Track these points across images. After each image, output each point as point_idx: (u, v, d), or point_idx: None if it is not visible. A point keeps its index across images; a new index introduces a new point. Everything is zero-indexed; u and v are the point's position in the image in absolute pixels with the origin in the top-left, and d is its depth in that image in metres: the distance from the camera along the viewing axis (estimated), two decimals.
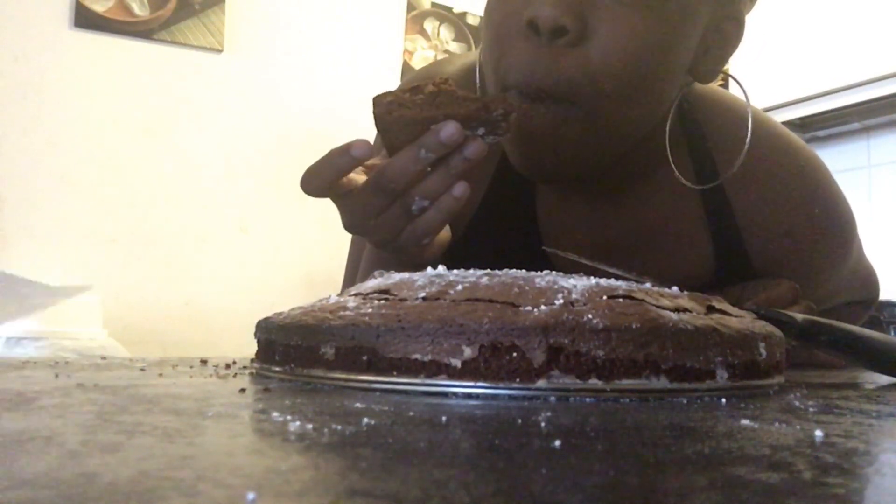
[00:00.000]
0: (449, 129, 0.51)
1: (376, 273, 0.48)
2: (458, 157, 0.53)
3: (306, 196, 0.56)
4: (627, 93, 0.58)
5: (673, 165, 0.65)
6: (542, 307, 0.36)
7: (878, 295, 0.87)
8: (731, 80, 0.71)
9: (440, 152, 0.52)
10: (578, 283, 0.39)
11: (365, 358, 0.37)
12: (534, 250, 0.72)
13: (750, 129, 0.66)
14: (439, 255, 0.62)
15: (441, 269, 0.43)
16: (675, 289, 0.43)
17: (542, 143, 0.59)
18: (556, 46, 0.55)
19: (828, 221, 0.72)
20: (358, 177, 0.56)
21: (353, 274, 0.79)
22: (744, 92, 0.68)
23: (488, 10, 0.61)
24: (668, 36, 0.58)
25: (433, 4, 2.76)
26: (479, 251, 0.74)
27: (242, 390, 0.35)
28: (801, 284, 0.71)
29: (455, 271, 0.42)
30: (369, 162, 0.56)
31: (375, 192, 0.54)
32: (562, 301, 0.36)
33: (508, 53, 0.58)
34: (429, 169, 0.54)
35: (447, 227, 0.67)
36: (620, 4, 0.55)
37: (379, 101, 0.53)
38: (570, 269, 0.50)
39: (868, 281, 0.84)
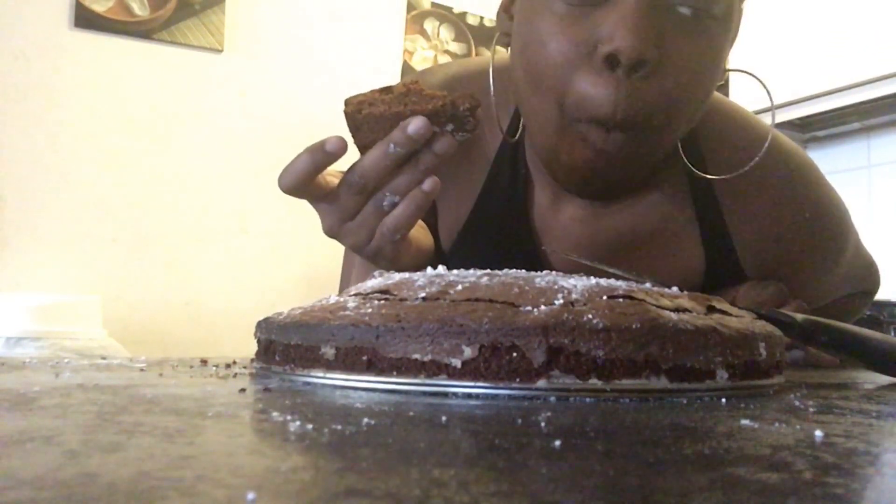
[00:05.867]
0: (416, 124, 0.52)
1: (376, 273, 0.48)
2: (427, 153, 0.54)
3: None
4: (691, 111, 0.59)
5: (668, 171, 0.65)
6: (542, 307, 0.36)
7: (878, 284, 0.87)
8: (739, 75, 0.70)
9: (408, 147, 0.53)
10: (578, 283, 0.39)
11: (365, 358, 0.37)
12: (528, 254, 0.72)
13: (745, 131, 0.65)
14: (421, 262, 0.62)
15: (441, 269, 0.43)
16: (674, 289, 0.43)
17: (611, 168, 0.59)
18: (634, 79, 0.55)
19: (819, 225, 0.72)
20: (335, 180, 0.57)
21: (348, 276, 0.79)
22: (763, 85, 0.67)
23: (540, 36, 0.58)
24: (719, 53, 0.59)
25: (433, 4, 2.76)
26: (473, 257, 0.73)
27: (242, 390, 0.35)
28: (795, 286, 0.70)
29: (455, 271, 0.42)
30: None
31: (348, 190, 0.55)
32: (562, 301, 0.36)
33: (578, 85, 0.56)
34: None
35: (429, 237, 0.67)
36: (685, 32, 0.56)
37: (349, 101, 0.54)
38: (565, 270, 0.50)
39: (867, 272, 0.84)
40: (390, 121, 0.53)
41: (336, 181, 0.56)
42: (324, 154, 0.53)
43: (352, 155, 0.55)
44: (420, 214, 0.57)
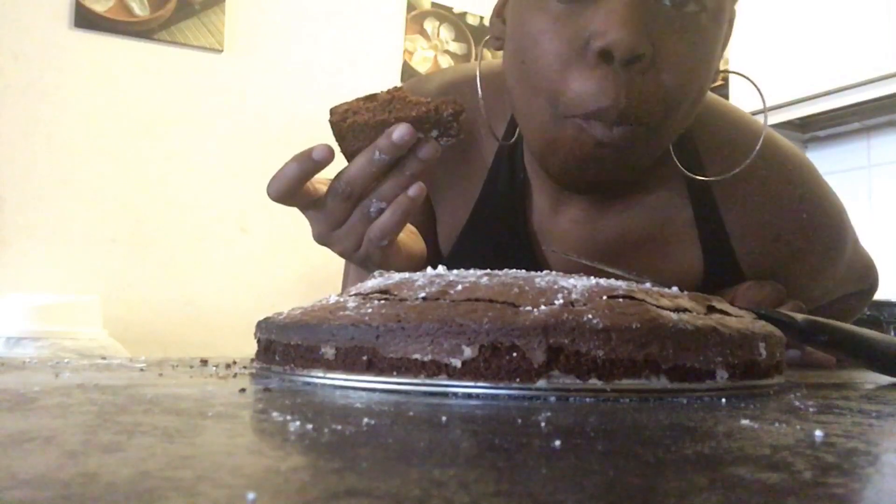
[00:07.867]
0: (401, 130, 0.53)
1: (376, 273, 0.48)
2: (412, 159, 0.55)
3: None
4: (687, 108, 0.59)
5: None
6: (542, 307, 0.36)
7: (877, 282, 0.87)
8: (738, 77, 0.71)
9: (393, 153, 0.54)
10: (578, 283, 0.39)
11: (365, 358, 0.37)
12: (526, 258, 0.72)
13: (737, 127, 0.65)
14: (412, 268, 0.62)
15: (441, 269, 0.43)
16: (675, 289, 0.43)
17: (610, 163, 0.59)
18: (631, 71, 0.55)
19: (816, 225, 0.72)
20: (323, 187, 0.57)
21: (348, 277, 0.80)
22: (755, 87, 0.68)
23: (532, 35, 0.58)
24: (712, 50, 0.59)
25: (433, 4, 2.76)
26: (472, 261, 0.74)
27: (242, 390, 0.35)
28: (793, 287, 0.70)
29: (455, 271, 0.42)
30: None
31: (335, 197, 0.56)
32: (562, 301, 0.36)
33: (573, 83, 0.56)
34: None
35: (420, 243, 0.68)
36: (677, 27, 0.56)
37: (334, 110, 0.54)
38: (565, 271, 0.50)
39: (866, 270, 0.84)
40: (375, 128, 0.53)
41: (325, 189, 0.57)
42: (311, 162, 0.54)
43: (339, 162, 0.55)
44: (406, 220, 0.57)
